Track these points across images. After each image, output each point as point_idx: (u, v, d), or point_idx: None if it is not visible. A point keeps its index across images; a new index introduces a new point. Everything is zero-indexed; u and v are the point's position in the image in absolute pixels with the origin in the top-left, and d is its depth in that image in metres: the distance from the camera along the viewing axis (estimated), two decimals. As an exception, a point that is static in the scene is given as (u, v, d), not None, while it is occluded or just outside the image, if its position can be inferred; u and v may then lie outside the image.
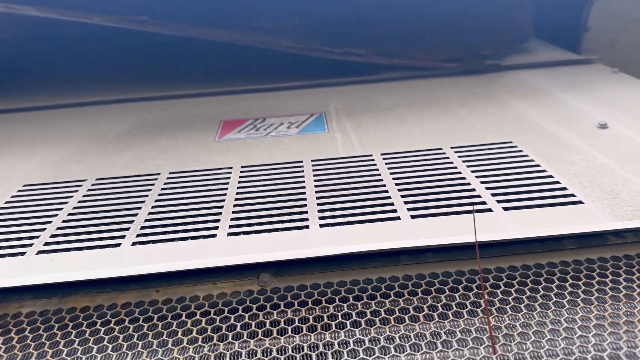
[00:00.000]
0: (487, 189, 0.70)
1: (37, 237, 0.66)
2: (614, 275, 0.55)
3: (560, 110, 0.99)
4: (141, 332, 0.52)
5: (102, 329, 0.52)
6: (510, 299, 0.53)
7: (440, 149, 0.85)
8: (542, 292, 0.53)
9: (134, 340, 0.51)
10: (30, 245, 0.64)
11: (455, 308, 0.52)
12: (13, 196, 0.78)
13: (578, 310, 0.51)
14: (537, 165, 0.76)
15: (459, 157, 0.81)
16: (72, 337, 0.52)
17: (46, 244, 0.65)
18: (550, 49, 1.39)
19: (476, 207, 0.65)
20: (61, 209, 0.73)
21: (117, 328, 0.52)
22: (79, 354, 0.49)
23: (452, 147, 0.85)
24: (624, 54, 1.28)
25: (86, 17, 1.08)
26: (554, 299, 0.52)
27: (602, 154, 0.78)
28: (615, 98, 1.02)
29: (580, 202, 0.65)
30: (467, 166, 0.77)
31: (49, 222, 0.70)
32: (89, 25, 1.07)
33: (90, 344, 0.50)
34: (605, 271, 0.56)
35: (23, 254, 0.63)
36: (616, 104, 0.99)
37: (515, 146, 0.83)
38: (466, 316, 0.51)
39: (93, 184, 0.81)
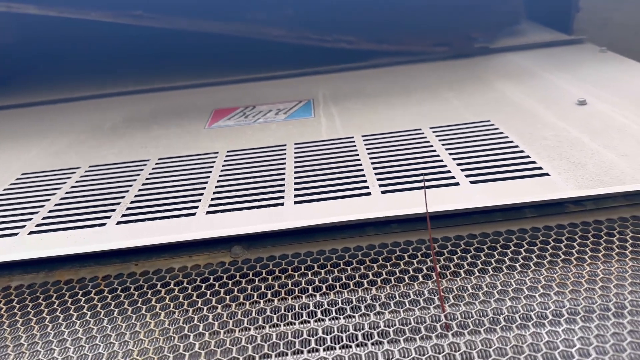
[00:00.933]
0: (458, 164, 0.72)
1: (30, 219, 0.71)
2: (569, 240, 0.57)
3: (543, 90, 1.00)
4: (118, 301, 0.55)
5: (83, 299, 0.56)
6: (465, 263, 0.55)
7: (420, 129, 0.87)
8: (496, 257, 0.56)
9: (111, 307, 0.54)
10: (23, 227, 0.69)
11: (412, 273, 0.55)
12: (11, 184, 0.83)
13: (529, 273, 0.53)
14: (511, 142, 0.78)
15: (436, 136, 0.83)
16: (55, 306, 0.55)
17: (38, 225, 0.69)
18: (541, 31, 1.39)
19: (445, 182, 0.68)
20: (54, 194, 0.78)
21: (96, 298, 0.56)
22: (59, 321, 0.53)
23: (430, 127, 0.87)
24: (615, 33, 1.28)
25: (83, 13, 1.12)
26: (508, 263, 0.55)
27: (576, 129, 0.80)
28: (599, 76, 1.03)
29: (546, 174, 0.67)
30: (443, 144, 0.79)
31: (42, 206, 0.74)
32: (85, 22, 1.12)
33: (71, 312, 0.54)
34: (561, 237, 0.58)
35: (16, 234, 0.67)
36: (598, 81, 1.00)
37: (492, 124, 0.85)
38: (421, 279, 0.53)
39: (86, 171, 0.85)
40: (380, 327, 0.48)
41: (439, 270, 0.54)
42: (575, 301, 0.49)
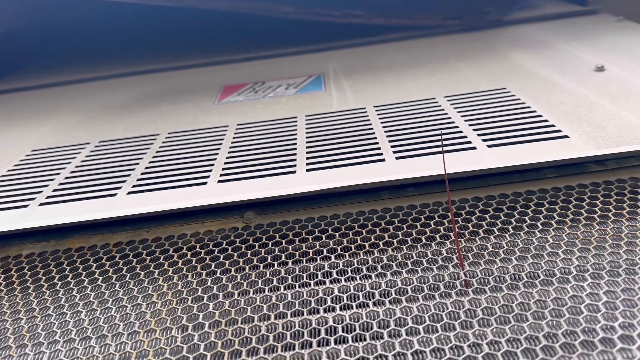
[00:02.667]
0: (475, 130, 0.70)
1: (41, 192, 0.70)
2: (592, 199, 0.55)
3: (559, 59, 0.97)
4: (130, 266, 0.54)
5: (94, 265, 0.55)
6: (484, 223, 0.53)
7: (434, 98, 0.85)
8: (517, 217, 0.54)
9: (123, 272, 0.54)
10: (34, 199, 0.68)
11: (429, 234, 0.53)
12: (21, 160, 0.82)
13: (551, 231, 0.51)
14: (528, 107, 0.75)
15: (451, 104, 0.81)
16: (66, 272, 0.55)
17: (48, 197, 0.68)
18: (555, 2, 1.36)
19: (461, 147, 0.66)
20: (64, 168, 0.77)
21: (108, 264, 0.55)
22: (71, 286, 0.53)
23: (445, 97, 0.85)
24: (632, 3, 1.25)
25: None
26: (528, 222, 0.53)
27: (594, 93, 0.78)
28: (616, 44, 1.00)
29: (565, 137, 0.65)
30: (458, 112, 0.77)
31: (52, 180, 0.73)
32: (94, 2, 1.11)
33: (82, 277, 0.54)
34: (583, 196, 0.56)
35: (26, 206, 0.66)
36: (616, 49, 0.97)
37: (508, 92, 0.83)
38: (439, 240, 0.52)
39: (96, 146, 0.84)
40: (397, 285, 0.47)
41: (457, 230, 0.52)
42: (600, 257, 0.47)
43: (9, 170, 0.78)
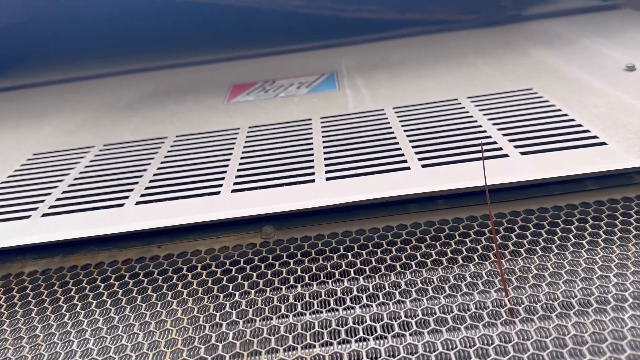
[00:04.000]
0: (504, 135, 0.66)
1: (43, 201, 0.66)
2: (639, 214, 0.51)
3: (584, 56, 0.93)
4: (141, 287, 0.50)
5: (102, 285, 0.51)
6: (525, 241, 0.49)
7: (456, 99, 0.81)
8: (560, 234, 0.50)
9: (133, 294, 0.50)
10: (36, 209, 0.64)
11: (465, 253, 0.49)
12: (22, 164, 0.78)
13: (599, 251, 0.47)
14: (558, 110, 0.71)
15: (476, 106, 0.76)
16: (72, 293, 0.51)
17: (51, 207, 0.64)
18: (575, -4, 1.32)
19: (492, 154, 0.62)
20: (68, 174, 0.73)
21: (116, 284, 0.51)
22: (77, 309, 0.49)
23: (468, 97, 0.80)
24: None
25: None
26: (573, 240, 0.49)
27: (629, 95, 0.73)
28: (645, 40, 0.96)
29: (603, 144, 0.61)
30: (484, 114, 0.73)
31: (55, 187, 0.69)
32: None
33: (89, 300, 0.50)
34: (629, 211, 0.52)
35: (28, 217, 0.62)
36: (646, 46, 0.93)
37: (535, 92, 0.79)
38: (477, 260, 0.48)
39: (100, 150, 0.80)
40: (436, 313, 0.43)
41: (498, 249, 0.48)
42: (657, 282, 0.43)
43: (9, 177, 0.74)
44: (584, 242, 0.48)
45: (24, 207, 0.65)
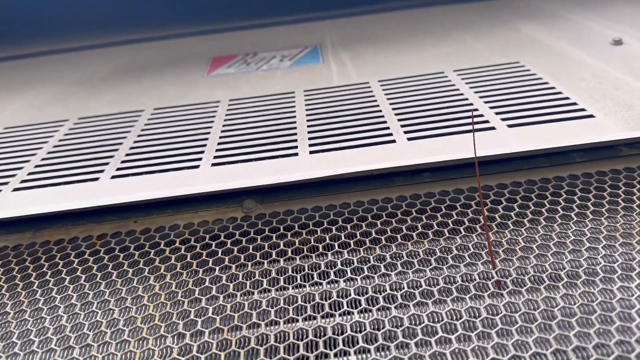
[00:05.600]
0: (491, 108, 0.65)
1: (14, 175, 0.63)
2: (628, 186, 0.50)
3: (572, 31, 0.92)
4: (116, 262, 0.48)
5: (76, 261, 0.49)
6: (512, 214, 0.48)
7: (442, 72, 0.79)
8: (547, 206, 0.49)
9: (109, 270, 0.48)
10: (6, 183, 0.61)
11: (452, 226, 0.48)
12: (-8, 138, 0.75)
13: (587, 223, 0.46)
14: (546, 83, 0.70)
15: (462, 79, 0.75)
16: (44, 269, 0.49)
17: (23, 181, 0.61)
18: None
19: (479, 126, 0.60)
20: (41, 148, 0.70)
21: (91, 259, 0.49)
22: (50, 286, 0.47)
23: (454, 70, 0.79)
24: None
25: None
26: (561, 212, 0.48)
27: (617, 69, 0.72)
28: (632, 15, 0.95)
29: (591, 116, 0.60)
30: (471, 87, 0.71)
31: (27, 161, 0.66)
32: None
33: (62, 275, 0.47)
34: (617, 183, 0.51)
35: (-2, 191, 0.59)
36: (632, 20, 0.92)
37: (522, 66, 0.77)
38: (464, 233, 0.47)
39: (75, 123, 0.77)
40: (422, 286, 0.42)
41: (486, 221, 0.47)
42: (646, 253, 0.42)
43: (-22, 151, 0.71)
44: (572, 214, 0.47)
45: (-6, 181, 0.62)
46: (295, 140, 0.63)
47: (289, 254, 0.47)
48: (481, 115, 0.63)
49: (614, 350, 0.34)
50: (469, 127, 0.61)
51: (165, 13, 1.35)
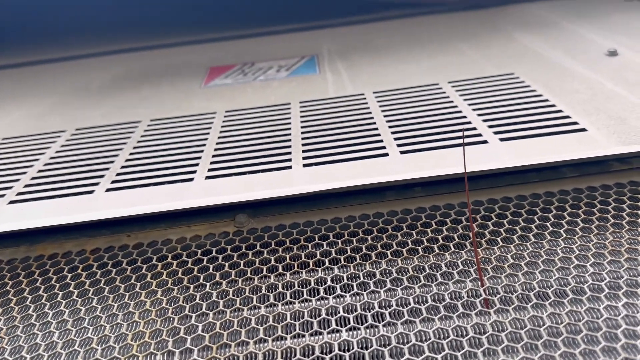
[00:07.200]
0: (485, 121, 0.65)
1: (11, 187, 0.63)
2: (618, 202, 0.50)
3: (567, 41, 0.92)
4: (109, 277, 0.49)
5: (69, 276, 0.49)
6: (502, 230, 0.48)
7: (437, 84, 0.79)
8: (537, 222, 0.49)
9: (101, 285, 0.48)
10: (3, 195, 0.62)
11: (441, 242, 0.48)
12: (-10, 149, 0.75)
13: (576, 240, 0.46)
14: (539, 95, 0.70)
15: (456, 91, 0.75)
16: (37, 284, 0.49)
17: (19, 194, 0.62)
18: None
19: (471, 140, 0.61)
20: (37, 159, 0.70)
21: (84, 274, 0.49)
22: (43, 301, 0.47)
23: (449, 82, 0.79)
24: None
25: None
26: (551, 228, 0.48)
27: (611, 81, 0.73)
28: (627, 25, 0.95)
29: (583, 130, 0.60)
30: (465, 100, 0.72)
31: (24, 173, 0.67)
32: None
33: (55, 291, 0.48)
34: (607, 199, 0.51)
35: (-6, 204, 0.60)
36: (627, 31, 0.92)
37: (517, 77, 0.78)
38: (453, 249, 0.47)
39: (72, 134, 0.77)
40: (410, 304, 0.42)
41: (475, 238, 0.47)
42: (634, 271, 0.42)
43: (-25, 162, 0.71)
44: (561, 230, 0.48)
45: (-10, 194, 0.62)
46: (290, 153, 0.64)
47: (280, 270, 0.47)
48: (474, 129, 0.63)
49: (599, 371, 0.35)
50: (462, 141, 0.61)
51: (163, 22, 1.35)
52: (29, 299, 0.47)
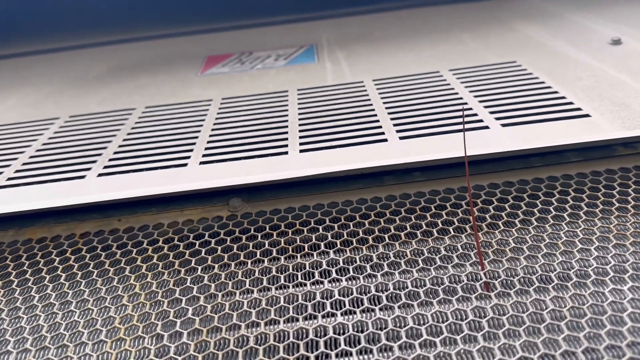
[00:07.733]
0: (486, 107, 0.64)
1: (1, 173, 0.62)
2: (623, 187, 0.49)
3: (570, 30, 0.90)
4: (98, 261, 0.47)
5: (57, 259, 0.48)
6: (504, 214, 0.47)
7: (438, 72, 0.78)
8: (540, 206, 0.48)
9: (90, 269, 0.47)
10: (-8, 180, 0.60)
11: (441, 226, 0.47)
12: (-19, 136, 0.74)
13: (580, 224, 0.45)
14: (542, 82, 0.69)
15: (457, 78, 0.74)
16: (24, 267, 0.48)
17: (9, 179, 0.60)
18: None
19: (472, 125, 0.59)
20: (30, 146, 0.69)
21: (72, 257, 0.48)
22: (29, 284, 0.45)
23: (450, 70, 0.78)
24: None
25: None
26: (554, 212, 0.47)
27: (615, 69, 0.71)
28: (630, 15, 0.94)
29: (587, 115, 0.59)
30: (466, 87, 0.70)
31: (15, 159, 0.65)
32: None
33: (43, 274, 0.46)
34: (612, 183, 0.49)
35: (-17, 189, 0.58)
36: (631, 20, 0.91)
37: (519, 65, 0.76)
38: (453, 233, 0.46)
39: (66, 121, 0.76)
40: (407, 287, 0.41)
41: (475, 221, 0.45)
42: (638, 255, 0.41)
43: (-34, 148, 0.70)
44: (564, 214, 0.46)
45: (-21, 179, 0.61)
46: (286, 139, 0.62)
47: (274, 254, 0.46)
48: (475, 115, 0.62)
49: (604, 355, 0.33)
50: (462, 125, 0.59)
51: (161, 12, 1.34)
52: (15, 283, 0.46)
